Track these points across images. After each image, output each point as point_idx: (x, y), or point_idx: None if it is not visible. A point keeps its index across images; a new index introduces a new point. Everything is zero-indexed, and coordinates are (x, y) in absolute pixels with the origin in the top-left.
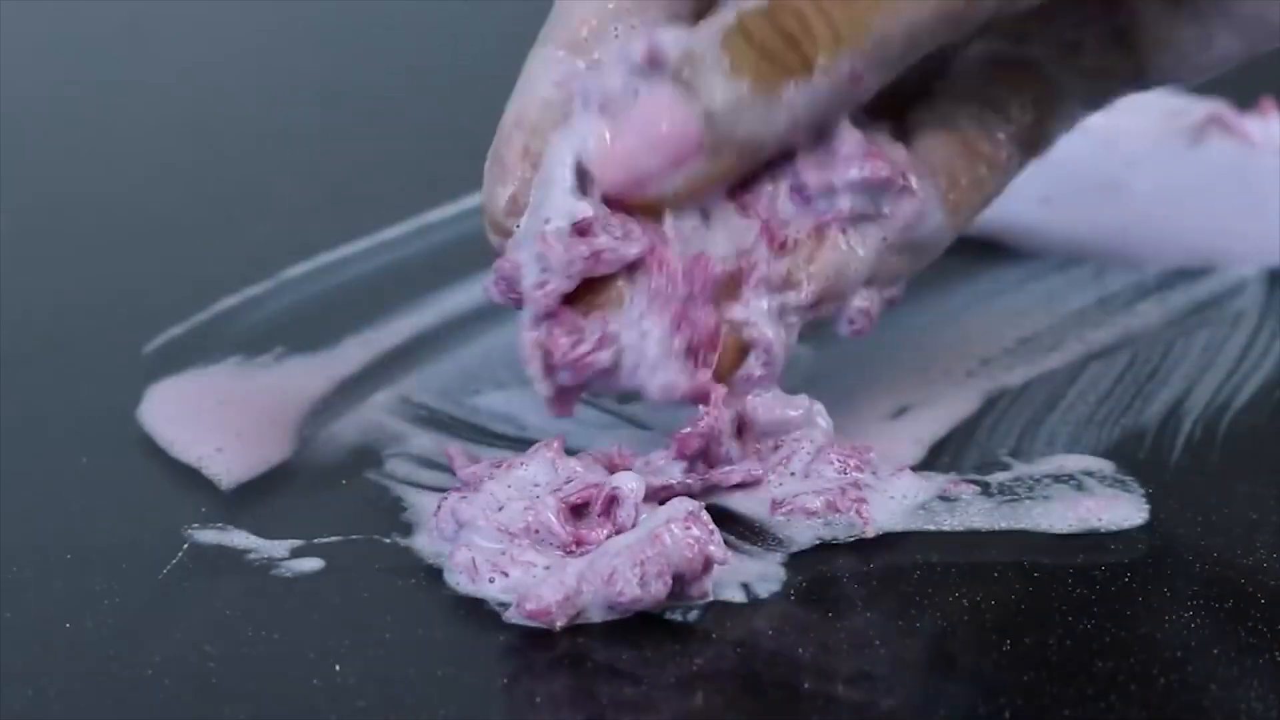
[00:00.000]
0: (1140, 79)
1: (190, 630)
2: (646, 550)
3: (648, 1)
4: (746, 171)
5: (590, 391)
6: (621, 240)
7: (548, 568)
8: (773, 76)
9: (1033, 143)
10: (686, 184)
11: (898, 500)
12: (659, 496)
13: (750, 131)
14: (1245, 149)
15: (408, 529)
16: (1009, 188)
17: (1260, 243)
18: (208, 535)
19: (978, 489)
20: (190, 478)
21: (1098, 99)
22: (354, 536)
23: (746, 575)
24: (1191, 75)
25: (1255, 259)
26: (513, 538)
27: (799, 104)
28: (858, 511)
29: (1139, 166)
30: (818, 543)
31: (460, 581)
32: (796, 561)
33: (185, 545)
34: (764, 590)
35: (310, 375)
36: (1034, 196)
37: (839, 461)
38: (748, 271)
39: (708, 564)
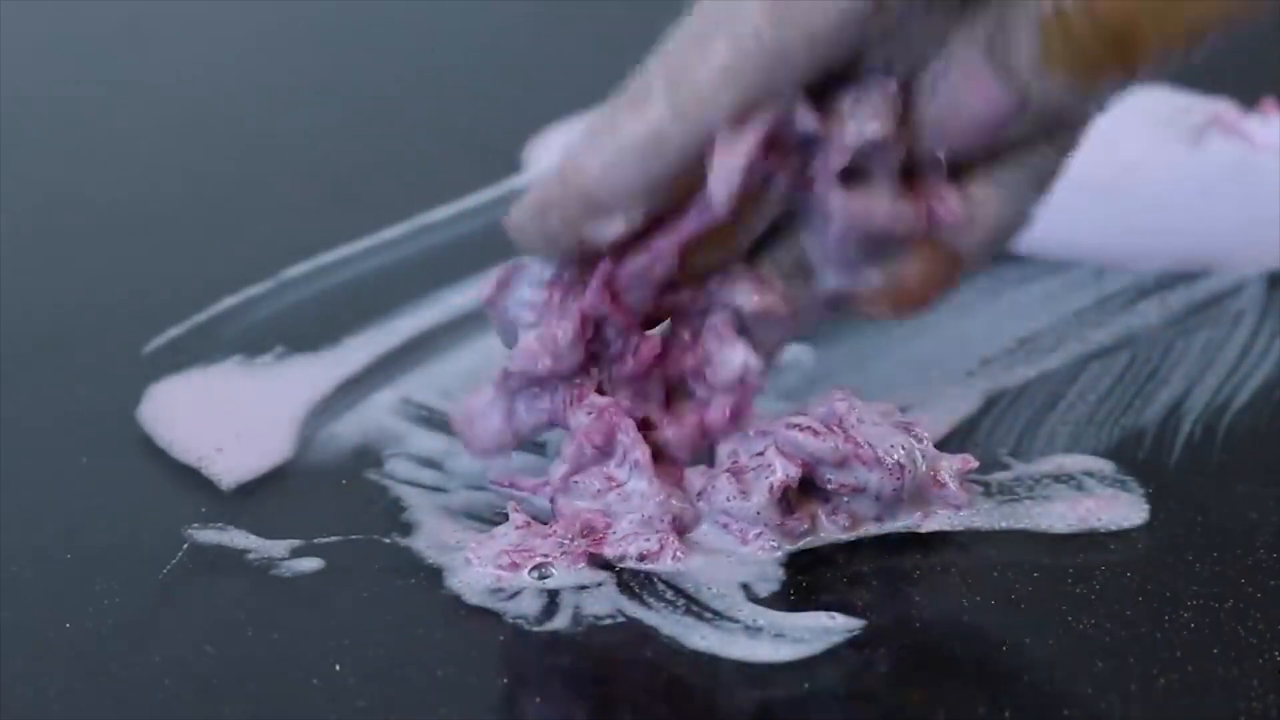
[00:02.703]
0: None
1: (190, 630)
2: None
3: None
4: None
5: None
6: None
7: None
8: (1087, 76)
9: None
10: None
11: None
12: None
13: (1057, 112)
14: (1246, 150)
15: (408, 529)
16: None
17: (1261, 246)
18: (208, 535)
19: (978, 489)
20: (190, 478)
21: None
22: (354, 536)
23: (746, 575)
24: None
25: (1256, 262)
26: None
27: (1105, 97)
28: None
29: (1139, 169)
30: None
31: None
32: (796, 562)
33: (185, 545)
34: (764, 590)
35: (310, 375)
36: None
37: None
38: None
39: None
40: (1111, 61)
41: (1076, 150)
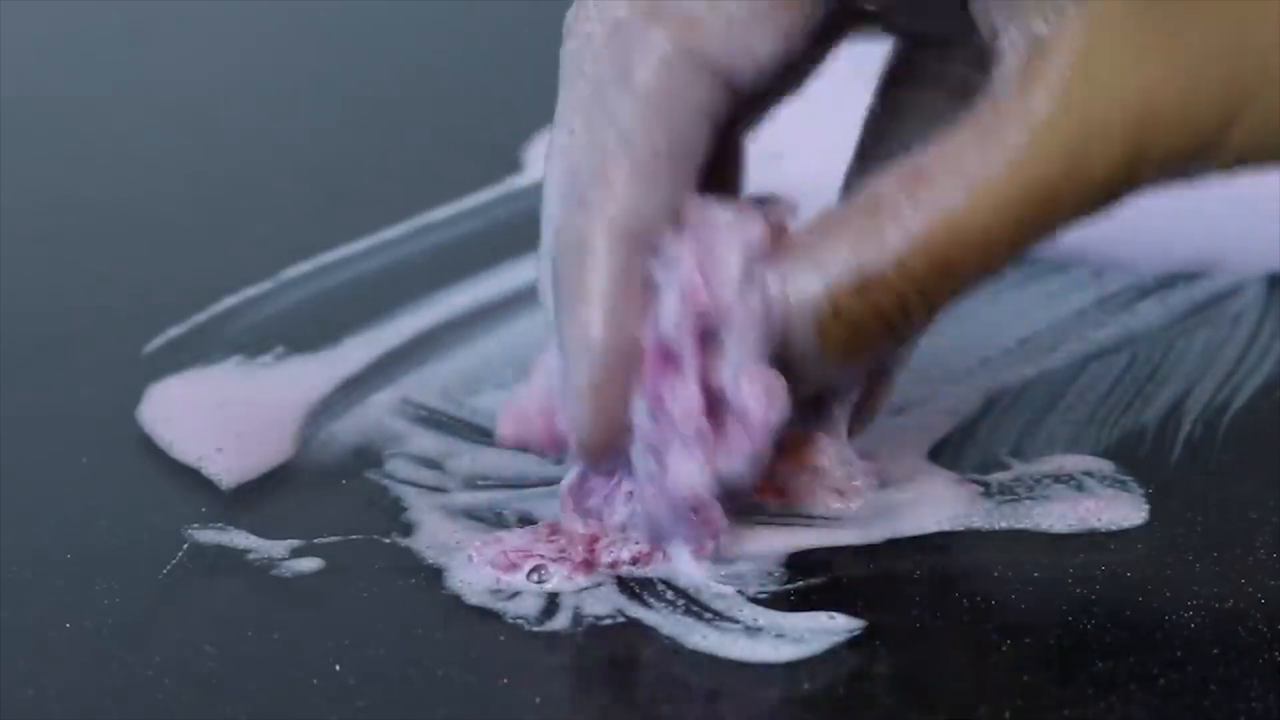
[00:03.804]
0: None
1: (190, 630)
2: None
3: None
4: None
5: None
6: None
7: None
8: (859, 355)
9: None
10: None
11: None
12: None
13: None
14: None
15: (408, 529)
16: None
17: (1261, 246)
18: (208, 535)
19: (978, 489)
20: (190, 478)
21: None
22: (354, 536)
23: (745, 578)
24: None
25: (1256, 262)
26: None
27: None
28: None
29: None
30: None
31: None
32: (796, 562)
33: (185, 545)
34: (764, 590)
35: (310, 375)
36: None
37: None
38: None
39: None
40: (884, 338)
41: None
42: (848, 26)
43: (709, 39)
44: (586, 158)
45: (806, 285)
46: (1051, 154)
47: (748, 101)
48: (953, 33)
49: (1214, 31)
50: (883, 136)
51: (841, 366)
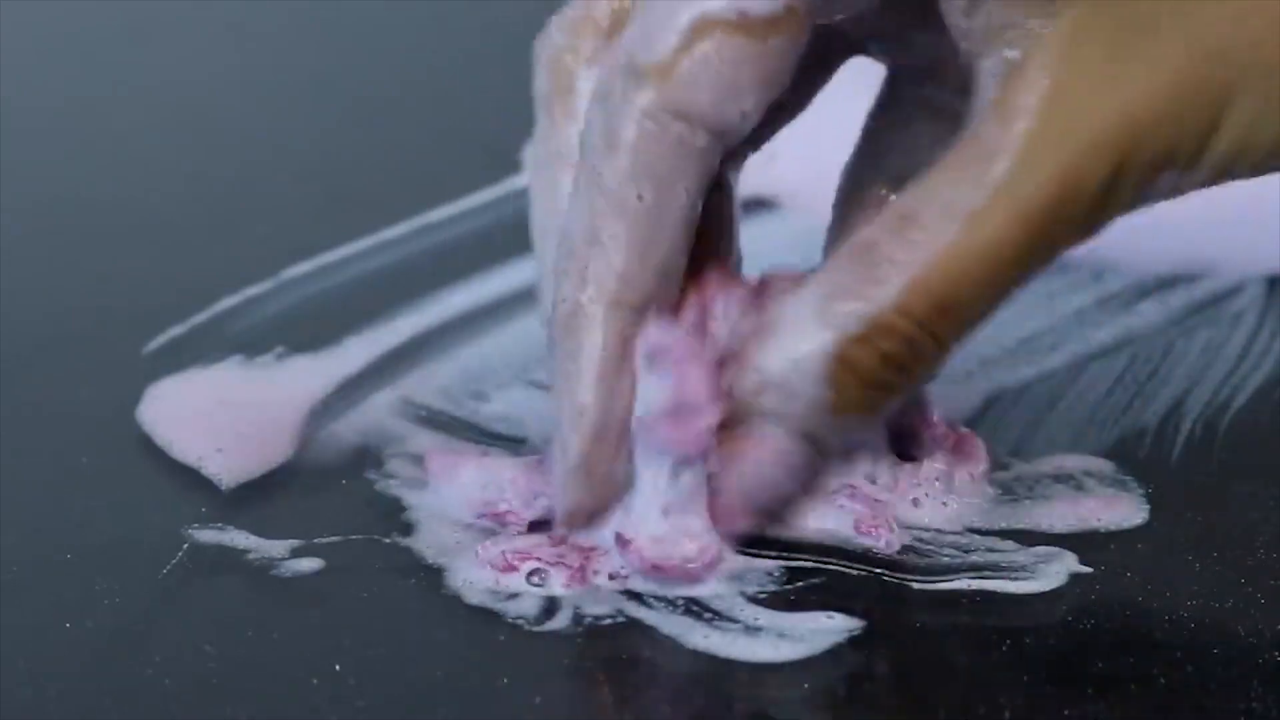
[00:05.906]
0: None
1: (190, 630)
2: None
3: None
4: None
5: None
6: None
7: None
8: (880, 403)
9: None
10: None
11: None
12: None
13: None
14: None
15: (408, 529)
16: None
17: (1261, 246)
18: (208, 535)
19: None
20: (190, 478)
21: None
22: (354, 536)
23: (744, 578)
24: None
25: (1255, 262)
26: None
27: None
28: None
29: None
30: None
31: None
32: (796, 561)
33: (185, 545)
34: (764, 590)
35: (310, 375)
36: None
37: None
38: None
39: None
40: (899, 385)
41: None
42: (834, 60)
43: (693, 92)
44: (578, 223)
45: (810, 343)
46: (1039, 179)
47: (737, 144)
48: (940, 60)
49: (1202, 27)
50: (876, 163)
51: (862, 421)
